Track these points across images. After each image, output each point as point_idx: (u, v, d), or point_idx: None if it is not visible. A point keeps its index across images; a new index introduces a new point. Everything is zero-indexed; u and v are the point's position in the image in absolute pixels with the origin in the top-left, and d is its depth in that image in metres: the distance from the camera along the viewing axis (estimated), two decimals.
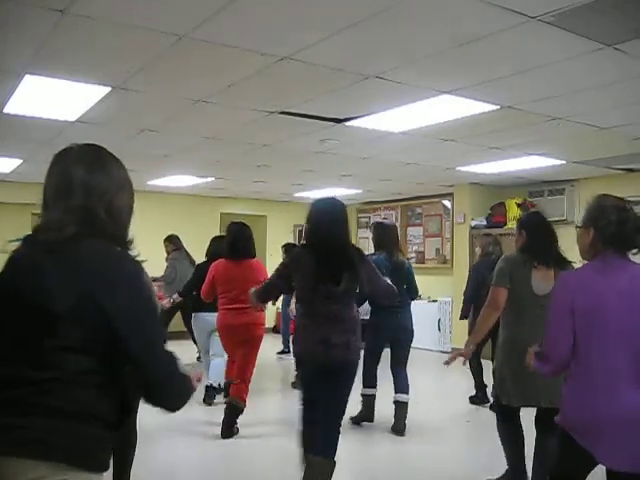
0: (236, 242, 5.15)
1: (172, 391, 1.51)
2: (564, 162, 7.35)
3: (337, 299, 3.35)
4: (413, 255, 11.18)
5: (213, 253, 5.88)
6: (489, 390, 5.70)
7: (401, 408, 5.05)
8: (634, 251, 2.41)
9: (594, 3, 2.97)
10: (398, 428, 5.01)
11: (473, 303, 6.03)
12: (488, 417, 5.66)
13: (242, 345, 5.05)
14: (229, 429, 4.83)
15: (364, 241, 12.10)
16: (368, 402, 5.23)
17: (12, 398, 1.39)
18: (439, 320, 9.26)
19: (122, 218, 1.62)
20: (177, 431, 4.86)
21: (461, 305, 6.48)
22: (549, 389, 3.20)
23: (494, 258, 6.00)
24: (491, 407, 5.96)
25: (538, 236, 3.63)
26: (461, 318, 6.47)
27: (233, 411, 4.86)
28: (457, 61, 3.87)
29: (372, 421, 5.22)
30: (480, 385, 6.15)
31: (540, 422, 3.51)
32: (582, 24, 3.25)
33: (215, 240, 6.29)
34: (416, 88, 4.46)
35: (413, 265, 9.53)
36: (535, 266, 3.50)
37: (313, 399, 3.35)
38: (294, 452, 3.41)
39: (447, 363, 3.65)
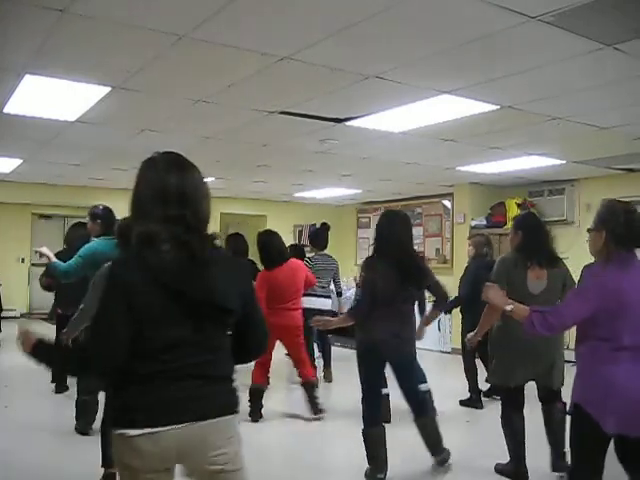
0: (269, 253, 5.46)
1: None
2: (564, 162, 7.35)
3: (410, 300, 4.00)
4: None
5: (234, 251, 5.97)
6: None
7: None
8: None
9: (594, 3, 2.97)
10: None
11: (467, 302, 6.05)
12: (488, 417, 5.67)
13: (294, 339, 5.49)
14: (315, 405, 5.42)
15: (364, 241, 12.11)
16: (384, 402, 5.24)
17: (202, 375, 1.81)
18: (439, 320, 9.24)
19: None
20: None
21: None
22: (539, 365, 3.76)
23: (489, 259, 6.06)
24: (485, 394, 6.06)
25: (533, 236, 3.82)
26: (446, 313, 6.55)
27: (312, 388, 5.49)
28: (457, 61, 3.87)
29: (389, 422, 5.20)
30: (475, 388, 6.15)
31: (542, 397, 3.94)
32: (582, 24, 3.25)
33: (232, 237, 6.46)
34: (416, 88, 4.46)
35: None
36: (528, 266, 3.73)
37: (377, 381, 4.02)
38: None
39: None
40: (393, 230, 3.91)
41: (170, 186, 1.81)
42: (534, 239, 3.79)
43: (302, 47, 3.66)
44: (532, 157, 7.10)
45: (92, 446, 4.44)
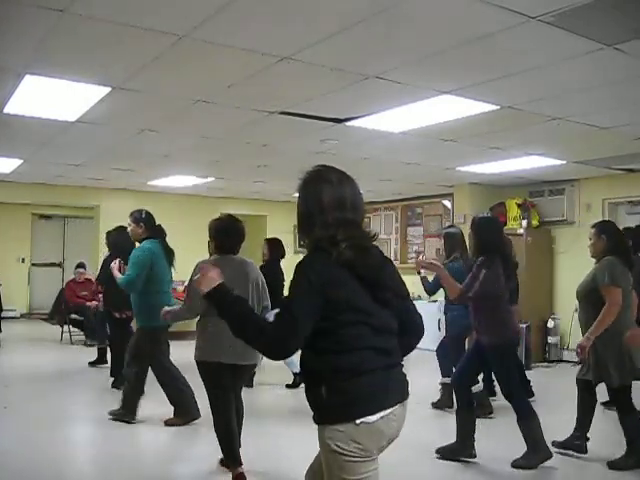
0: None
1: None
2: (564, 162, 7.35)
3: None
4: (413, 255, 11.18)
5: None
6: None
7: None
8: None
9: (594, 3, 2.97)
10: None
11: None
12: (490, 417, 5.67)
13: None
14: None
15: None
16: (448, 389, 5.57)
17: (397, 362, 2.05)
18: (439, 320, 9.23)
19: None
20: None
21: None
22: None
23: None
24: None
25: (620, 241, 4.33)
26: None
27: None
28: (457, 61, 3.87)
29: (452, 407, 5.36)
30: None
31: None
32: (582, 24, 3.25)
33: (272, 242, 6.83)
34: (416, 88, 4.46)
35: (412, 265, 9.58)
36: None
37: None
38: None
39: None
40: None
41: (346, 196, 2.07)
42: (621, 243, 4.30)
43: (302, 47, 3.66)
44: (532, 157, 7.09)
45: (92, 446, 4.46)
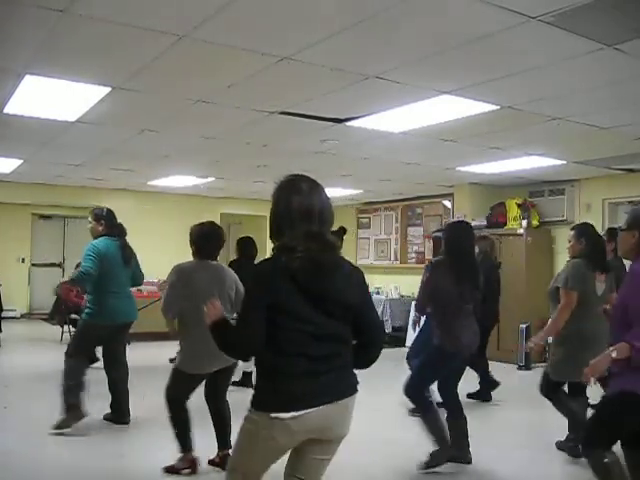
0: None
1: None
2: (564, 162, 7.35)
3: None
4: (413, 255, 11.18)
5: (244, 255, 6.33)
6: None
7: None
8: None
9: (594, 3, 2.97)
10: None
11: None
12: (488, 416, 5.67)
13: None
14: None
15: (364, 241, 12.12)
16: None
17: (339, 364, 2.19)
18: None
19: None
20: None
21: None
22: None
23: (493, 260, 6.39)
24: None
25: (596, 245, 4.29)
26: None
27: None
28: (457, 61, 3.87)
29: None
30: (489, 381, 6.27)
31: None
32: (582, 24, 3.25)
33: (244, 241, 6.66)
34: (416, 88, 4.46)
35: (412, 265, 9.65)
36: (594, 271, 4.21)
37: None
38: None
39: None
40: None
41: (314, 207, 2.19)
42: (597, 247, 4.26)
43: (302, 47, 3.66)
44: (532, 157, 7.09)
45: (92, 446, 4.45)
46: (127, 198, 10.19)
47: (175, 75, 4.30)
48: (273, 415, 2.07)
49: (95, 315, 4.79)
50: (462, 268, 4.06)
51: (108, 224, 4.98)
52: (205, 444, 3.93)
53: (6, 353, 8.62)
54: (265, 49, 3.72)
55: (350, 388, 2.21)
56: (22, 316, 12.46)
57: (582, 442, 3.05)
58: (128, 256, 4.97)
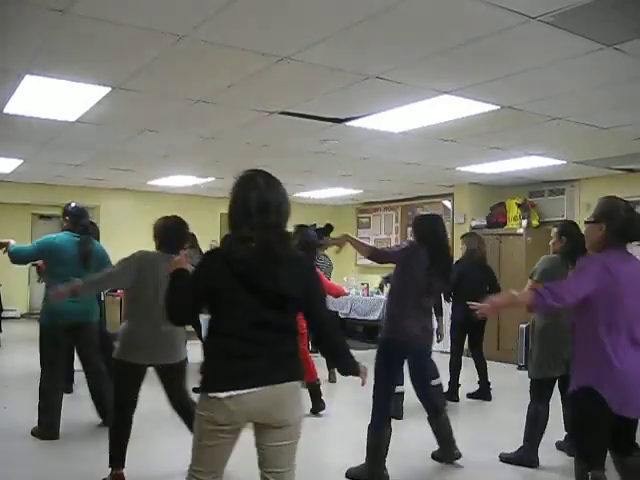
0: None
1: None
2: (564, 162, 7.35)
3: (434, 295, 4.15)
4: None
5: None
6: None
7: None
8: (636, 243, 2.90)
9: (594, 3, 2.97)
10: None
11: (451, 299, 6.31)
12: (487, 416, 5.68)
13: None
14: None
15: (364, 241, 12.10)
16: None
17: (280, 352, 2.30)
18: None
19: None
20: None
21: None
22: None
23: (479, 256, 6.41)
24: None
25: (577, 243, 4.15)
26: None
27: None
28: (457, 61, 3.87)
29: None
30: (454, 382, 6.27)
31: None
32: (582, 24, 3.25)
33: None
34: (416, 88, 4.46)
35: None
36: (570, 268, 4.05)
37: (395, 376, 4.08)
38: None
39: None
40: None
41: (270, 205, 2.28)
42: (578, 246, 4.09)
43: (302, 47, 3.66)
44: (532, 157, 7.09)
45: (92, 446, 4.46)
46: (127, 198, 10.19)
47: (175, 75, 4.30)
48: (211, 395, 2.20)
49: (42, 314, 4.69)
50: (436, 261, 3.96)
51: (72, 220, 4.78)
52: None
53: (6, 353, 8.62)
54: (265, 49, 3.72)
55: (286, 375, 2.29)
56: (22, 316, 12.46)
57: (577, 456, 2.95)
58: (85, 255, 4.67)
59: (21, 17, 3.29)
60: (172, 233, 3.83)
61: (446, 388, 6.12)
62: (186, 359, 3.86)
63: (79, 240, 4.70)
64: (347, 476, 3.97)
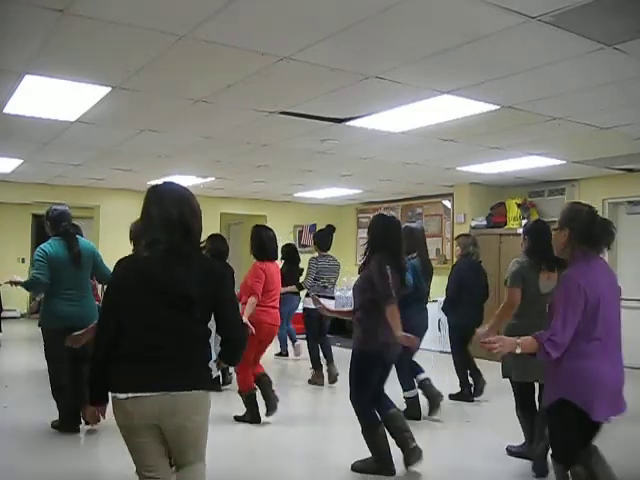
0: (272, 245, 5.53)
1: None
2: (564, 162, 7.35)
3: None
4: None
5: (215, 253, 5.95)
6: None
7: None
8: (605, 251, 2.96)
9: (594, 3, 2.97)
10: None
11: (450, 302, 6.40)
12: (488, 416, 5.68)
13: (267, 343, 5.39)
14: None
15: (364, 241, 12.09)
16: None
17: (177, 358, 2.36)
18: (439, 320, 9.24)
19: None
20: None
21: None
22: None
23: (474, 259, 6.41)
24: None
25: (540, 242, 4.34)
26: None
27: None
28: (457, 61, 3.87)
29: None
30: (465, 382, 6.26)
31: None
32: (582, 24, 3.25)
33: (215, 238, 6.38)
34: (416, 88, 4.46)
35: None
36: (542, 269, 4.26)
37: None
38: None
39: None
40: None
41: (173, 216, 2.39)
42: (539, 245, 4.25)
43: (302, 47, 3.66)
44: (532, 157, 7.09)
45: (93, 445, 4.46)
46: (127, 198, 10.17)
47: (175, 75, 4.30)
48: (113, 395, 2.35)
49: (41, 317, 4.86)
50: (393, 265, 3.93)
51: (53, 224, 4.82)
52: None
53: (6, 353, 8.63)
54: (265, 49, 3.72)
55: (184, 383, 2.34)
56: (22, 316, 12.46)
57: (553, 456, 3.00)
58: (76, 257, 4.72)
59: (21, 17, 3.29)
60: None
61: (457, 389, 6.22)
62: None
63: (66, 244, 4.74)
64: (353, 469, 4.02)
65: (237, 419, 5.21)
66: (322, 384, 6.89)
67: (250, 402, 5.19)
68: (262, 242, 5.41)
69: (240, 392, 5.23)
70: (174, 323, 2.35)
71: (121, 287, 2.40)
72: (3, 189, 9.72)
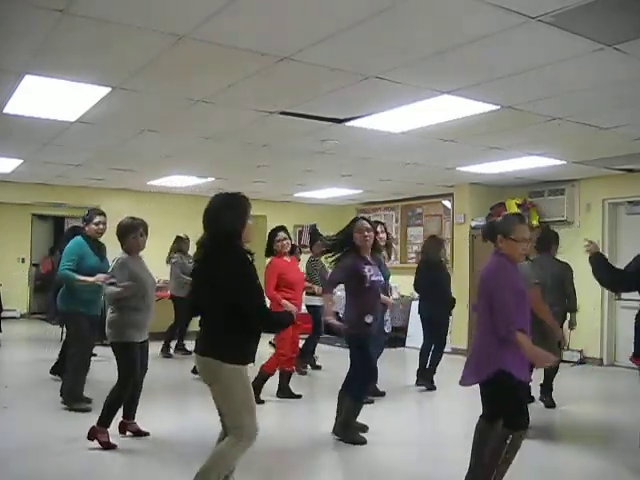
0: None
1: None
2: (564, 162, 7.34)
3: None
4: (413, 255, 11.17)
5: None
6: None
7: None
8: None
9: (594, 3, 2.97)
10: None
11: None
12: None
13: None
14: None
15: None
16: None
17: None
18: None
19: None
20: None
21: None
22: None
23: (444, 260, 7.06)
24: None
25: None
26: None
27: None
28: (457, 61, 3.87)
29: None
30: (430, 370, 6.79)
31: None
32: (582, 24, 3.25)
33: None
34: (416, 88, 4.46)
35: (412, 265, 9.61)
36: None
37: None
38: None
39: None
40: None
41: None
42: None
43: (302, 47, 3.66)
44: (532, 157, 7.09)
45: (94, 445, 4.46)
46: (127, 198, 10.18)
47: (175, 75, 4.31)
48: (242, 367, 2.98)
49: (62, 301, 5.38)
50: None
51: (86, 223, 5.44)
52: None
53: (6, 353, 8.62)
54: (265, 49, 3.72)
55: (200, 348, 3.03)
56: (22, 316, 12.46)
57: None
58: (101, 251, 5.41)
59: (21, 17, 3.29)
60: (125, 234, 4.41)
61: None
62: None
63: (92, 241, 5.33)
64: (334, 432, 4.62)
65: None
66: (305, 373, 7.48)
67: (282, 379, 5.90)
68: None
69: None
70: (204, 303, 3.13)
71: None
72: (3, 189, 9.72)
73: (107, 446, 4.21)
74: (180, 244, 8.51)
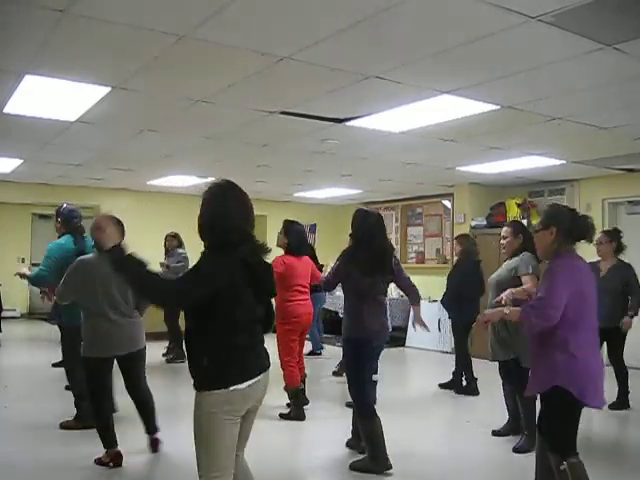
0: (302, 240, 6.13)
1: None
2: (564, 162, 7.35)
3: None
4: (413, 255, 11.18)
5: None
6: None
7: None
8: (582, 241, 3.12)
9: (594, 3, 2.97)
10: None
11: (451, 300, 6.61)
12: (489, 414, 5.67)
13: (306, 333, 5.80)
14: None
15: None
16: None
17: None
18: (439, 320, 9.25)
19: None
20: None
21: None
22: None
23: (475, 258, 6.60)
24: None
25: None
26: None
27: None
28: (457, 61, 3.87)
29: None
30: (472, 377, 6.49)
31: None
32: (582, 24, 3.25)
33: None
34: (416, 88, 4.46)
35: (412, 265, 9.60)
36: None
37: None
38: None
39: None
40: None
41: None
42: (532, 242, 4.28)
43: (302, 47, 3.66)
44: (532, 157, 7.10)
45: (94, 445, 4.46)
46: (127, 198, 10.19)
47: (175, 75, 4.30)
48: (232, 388, 2.44)
49: (63, 317, 5.03)
50: (372, 258, 4.08)
51: (64, 222, 5.25)
52: None
53: (6, 353, 8.63)
54: (265, 49, 3.72)
55: (268, 363, 2.69)
56: (22, 316, 12.47)
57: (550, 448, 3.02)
58: (81, 254, 4.87)
59: (21, 17, 3.29)
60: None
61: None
62: (144, 349, 4.19)
63: (75, 241, 4.96)
64: (351, 468, 4.04)
65: (282, 416, 5.33)
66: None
67: (297, 397, 5.37)
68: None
69: (286, 388, 5.38)
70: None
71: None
72: (3, 189, 9.72)
73: (109, 464, 4.06)
74: (179, 239, 8.36)
